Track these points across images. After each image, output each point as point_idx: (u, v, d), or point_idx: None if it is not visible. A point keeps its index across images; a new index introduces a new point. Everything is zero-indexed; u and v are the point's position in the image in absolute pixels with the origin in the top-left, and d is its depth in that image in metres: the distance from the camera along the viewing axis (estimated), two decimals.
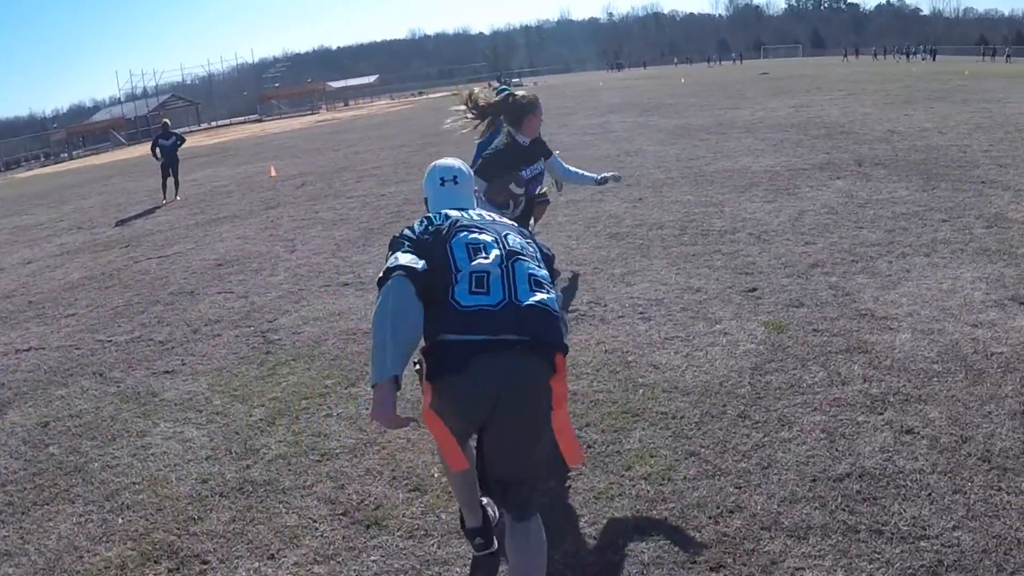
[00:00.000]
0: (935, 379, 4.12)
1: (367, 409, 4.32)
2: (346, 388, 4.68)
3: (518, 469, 2.27)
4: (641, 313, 5.42)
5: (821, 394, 4.00)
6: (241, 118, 69.81)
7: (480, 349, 2.10)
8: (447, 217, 2.45)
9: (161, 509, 3.50)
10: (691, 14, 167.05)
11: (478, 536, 2.83)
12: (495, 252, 2.29)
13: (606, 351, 4.74)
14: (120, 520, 3.45)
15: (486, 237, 2.34)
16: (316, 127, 38.57)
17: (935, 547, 2.78)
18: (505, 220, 2.61)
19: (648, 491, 3.26)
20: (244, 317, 6.42)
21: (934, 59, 66.45)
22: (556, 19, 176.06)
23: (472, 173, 2.85)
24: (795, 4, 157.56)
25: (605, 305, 5.62)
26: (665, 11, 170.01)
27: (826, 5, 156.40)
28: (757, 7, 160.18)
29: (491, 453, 2.28)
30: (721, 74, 54.39)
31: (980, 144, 12.32)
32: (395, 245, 2.34)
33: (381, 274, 2.20)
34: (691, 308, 5.47)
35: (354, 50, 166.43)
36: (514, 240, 2.41)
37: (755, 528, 2.96)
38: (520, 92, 4.21)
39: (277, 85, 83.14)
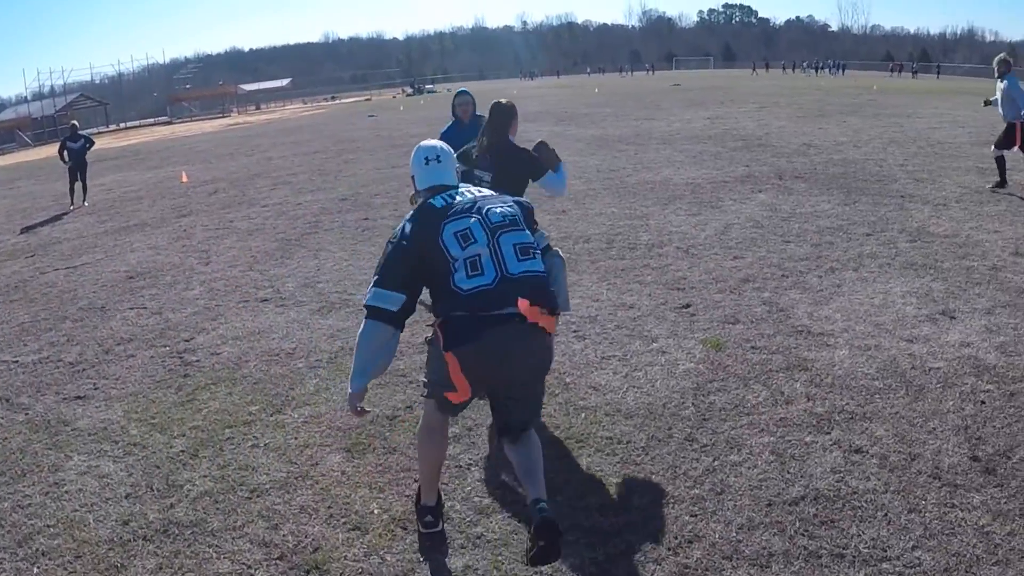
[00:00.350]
0: (877, 396, 4.16)
1: (296, 438, 4.09)
2: (271, 415, 4.42)
3: (525, 409, 2.84)
4: (575, 331, 5.33)
5: (766, 414, 3.99)
6: (151, 120, 67.22)
7: (485, 325, 2.55)
8: (433, 209, 2.79)
9: (80, 556, 3.18)
10: (604, 24, 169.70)
11: (429, 515, 3.05)
12: (481, 233, 2.68)
13: None
14: (36, 569, 3.11)
15: (471, 221, 2.72)
16: (228, 131, 37.43)
17: (897, 568, 2.76)
18: (485, 192, 2.97)
19: (603, 523, 3.15)
20: (159, 336, 6.06)
21: (843, 73, 69.75)
22: (470, 26, 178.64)
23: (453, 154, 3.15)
24: (707, 17, 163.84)
25: None
26: (579, 21, 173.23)
27: (737, 19, 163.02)
28: (670, 19, 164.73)
29: (503, 400, 2.79)
30: (634, 84, 55.49)
31: (895, 158, 12.82)
32: (387, 256, 2.80)
33: (367, 301, 2.76)
34: (625, 325, 5.42)
35: (267, 52, 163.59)
36: (495, 213, 2.77)
37: (716, 558, 2.88)
38: (503, 100, 4.50)
39: (188, 87, 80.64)
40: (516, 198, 3.00)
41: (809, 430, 3.80)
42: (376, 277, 2.78)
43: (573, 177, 11.88)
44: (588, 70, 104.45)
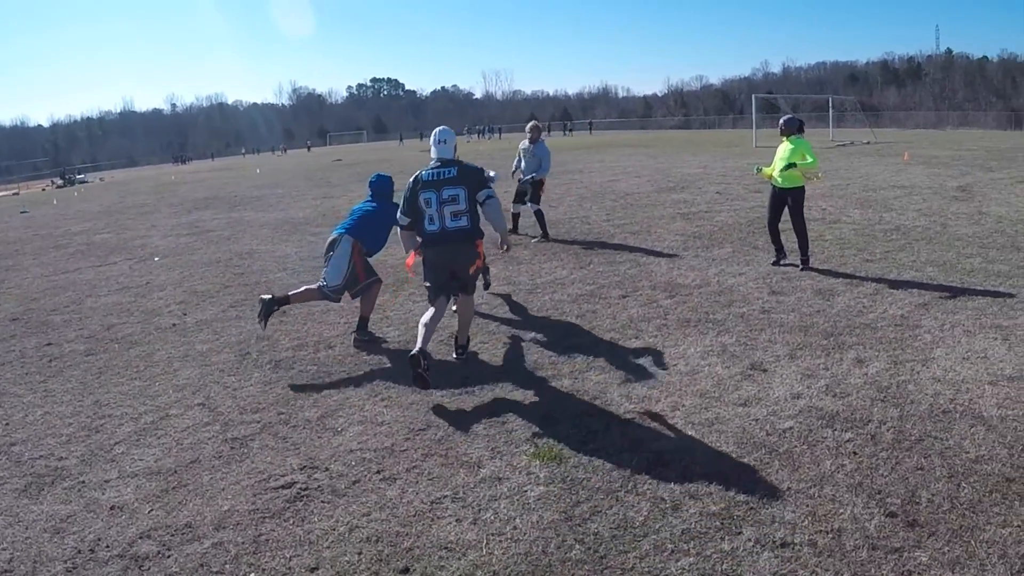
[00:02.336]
0: (757, 474, 4.17)
1: None
2: None
3: (461, 284, 6.24)
4: (378, 472, 4.65)
5: (663, 531, 3.73)
6: None
7: (434, 246, 6.16)
8: (420, 179, 6.11)
9: None
10: (255, 104, 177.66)
11: (423, 359, 5.65)
12: (435, 204, 6.03)
13: (369, 540, 3.91)
14: None
15: (432, 194, 6.04)
16: None
17: None
18: (451, 177, 6.08)
19: None
20: None
21: (500, 136, 78.16)
22: (119, 110, 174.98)
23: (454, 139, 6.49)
24: (356, 92, 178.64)
25: (326, 468, 4.72)
26: (229, 101, 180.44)
27: (385, 92, 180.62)
28: (320, 96, 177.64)
29: (450, 280, 6.20)
30: (295, 163, 55.53)
31: (597, 214, 13.95)
32: (403, 198, 6.26)
33: (399, 222, 6.45)
34: (434, 451, 4.83)
35: None
36: (446, 193, 6.03)
37: None
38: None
39: None
40: (469, 177, 6.15)
41: (720, 535, 3.62)
42: (400, 208, 6.35)
43: (277, 270, 11.16)
44: (243, 151, 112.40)
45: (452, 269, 6.17)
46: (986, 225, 11.48)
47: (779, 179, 9.08)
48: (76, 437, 5.57)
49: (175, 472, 4.85)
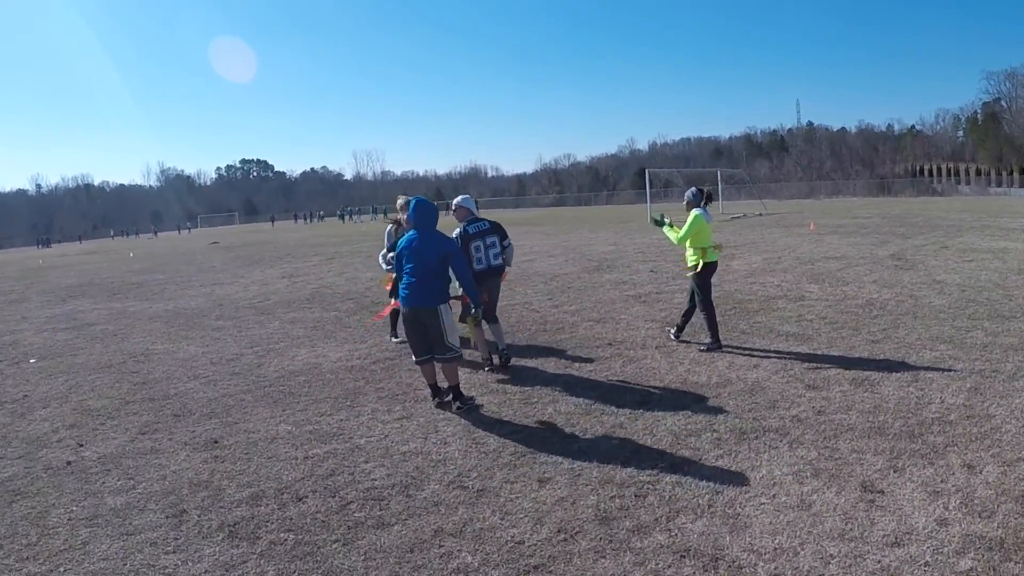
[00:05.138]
0: None
1: None
2: None
3: (493, 306, 9.36)
4: None
5: None
6: None
7: (483, 278, 8.99)
8: (467, 233, 9.06)
9: None
10: (122, 185, 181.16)
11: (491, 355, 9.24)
12: (482, 250, 9.11)
13: None
14: None
15: (480, 242, 9.09)
16: None
17: None
18: (483, 228, 9.17)
19: None
20: None
21: (385, 216, 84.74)
22: None
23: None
24: (225, 173, 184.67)
25: None
26: (96, 182, 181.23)
27: (255, 174, 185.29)
28: (189, 177, 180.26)
29: (488, 303, 9.22)
30: (170, 245, 53.19)
31: (539, 300, 13.58)
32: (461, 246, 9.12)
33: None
34: None
35: None
36: (488, 240, 9.15)
37: None
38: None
39: None
40: (499, 230, 9.30)
41: None
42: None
43: (187, 378, 9.63)
44: (113, 233, 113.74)
45: (490, 294, 9.13)
46: (952, 295, 11.48)
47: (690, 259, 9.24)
48: None
49: None
